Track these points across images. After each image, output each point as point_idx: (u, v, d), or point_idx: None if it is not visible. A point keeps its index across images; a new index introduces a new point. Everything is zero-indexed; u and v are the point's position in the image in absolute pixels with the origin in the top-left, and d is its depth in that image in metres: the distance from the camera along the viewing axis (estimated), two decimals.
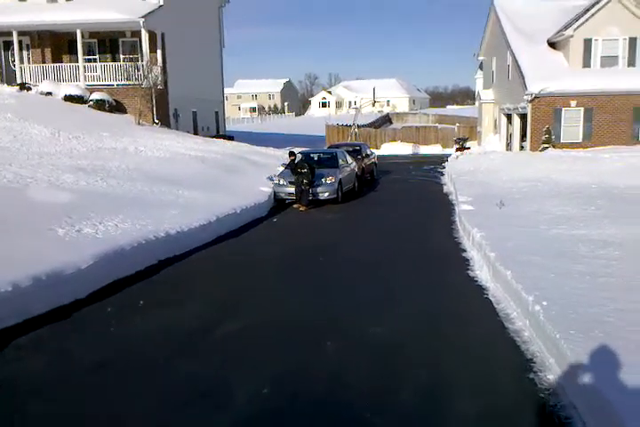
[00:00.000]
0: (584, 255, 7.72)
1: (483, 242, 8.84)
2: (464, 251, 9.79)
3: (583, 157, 19.90)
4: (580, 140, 23.60)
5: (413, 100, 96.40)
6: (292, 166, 14.85)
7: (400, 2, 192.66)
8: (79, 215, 8.97)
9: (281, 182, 15.25)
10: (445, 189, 18.23)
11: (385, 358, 5.25)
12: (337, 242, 10.46)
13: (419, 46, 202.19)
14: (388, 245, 10.29)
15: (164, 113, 25.35)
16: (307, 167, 14.49)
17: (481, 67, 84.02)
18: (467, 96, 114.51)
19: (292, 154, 15.24)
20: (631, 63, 23.10)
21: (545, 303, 5.59)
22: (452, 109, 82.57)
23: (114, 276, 7.52)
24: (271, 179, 16.36)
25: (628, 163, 18.90)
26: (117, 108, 24.24)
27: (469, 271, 8.43)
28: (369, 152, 21.42)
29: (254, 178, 16.65)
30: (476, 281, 7.90)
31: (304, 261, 9.05)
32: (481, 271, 8.29)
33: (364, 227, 12.21)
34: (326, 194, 14.84)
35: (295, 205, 14.71)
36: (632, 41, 22.88)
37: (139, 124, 22.81)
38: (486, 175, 17.74)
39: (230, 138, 29.86)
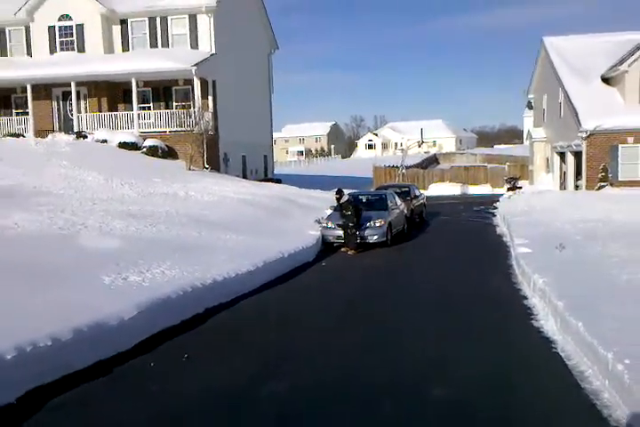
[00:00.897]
0: None
1: (546, 289, 8.24)
2: (525, 298, 9.17)
3: None
4: (639, 178, 22.58)
5: (460, 140, 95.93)
6: (339, 207, 14.56)
7: (441, 42, 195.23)
8: (127, 262, 8.90)
9: (329, 225, 14.99)
10: (499, 230, 17.55)
11: None
12: (387, 291, 9.99)
13: (465, 86, 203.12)
14: (443, 292, 9.76)
15: (214, 158, 25.82)
16: (352, 209, 14.14)
17: (529, 106, 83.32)
18: (514, 135, 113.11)
19: (338, 192, 14.47)
20: None
21: (628, 362, 4.99)
22: (499, 149, 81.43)
23: (159, 326, 7.29)
24: (319, 222, 16.13)
25: None
26: (169, 153, 24.84)
27: (533, 321, 7.82)
28: (417, 193, 21.03)
29: (302, 221, 16.48)
30: (542, 332, 7.30)
31: (354, 313, 8.64)
32: (546, 322, 7.67)
33: (416, 272, 11.71)
34: (375, 237, 14.47)
35: (343, 249, 14.36)
36: None
37: (189, 169, 23.23)
38: (542, 216, 16.99)
39: (278, 181, 30.08)
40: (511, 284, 10.27)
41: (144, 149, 23.73)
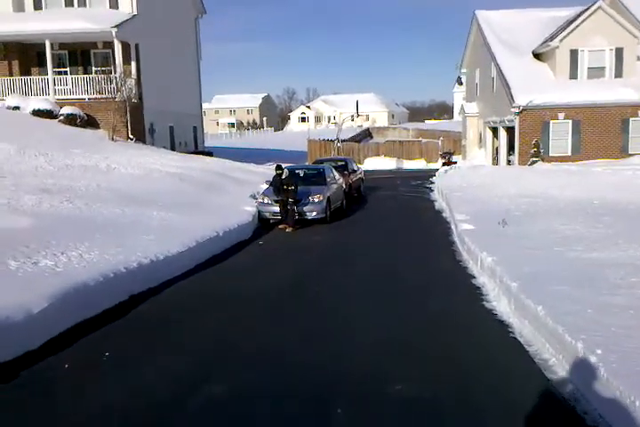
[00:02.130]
0: (617, 284, 6.82)
1: (497, 268, 7.90)
2: (473, 277, 8.83)
3: (576, 170, 19.29)
4: (569, 154, 23.11)
5: (392, 115, 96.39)
6: (276, 183, 13.71)
7: (374, 16, 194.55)
8: (38, 244, 7.82)
9: (265, 201, 14.22)
10: (437, 205, 17.37)
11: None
12: (329, 273, 9.39)
13: (395, 61, 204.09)
14: (387, 271, 9.29)
15: (139, 128, 24.18)
16: (294, 184, 13.45)
17: (459, 81, 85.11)
18: (444, 110, 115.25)
19: (278, 168, 13.75)
20: (618, 74, 22.75)
21: (599, 352, 4.62)
22: (430, 124, 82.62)
23: (76, 317, 6.38)
24: (254, 197, 15.34)
25: (623, 176, 18.32)
26: (89, 122, 23.01)
27: (485, 302, 7.46)
28: (355, 167, 20.52)
29: (236, 196, 15.60)
30: (495, 315, 6.93)
31: (295, 295, 7.99)
32: (499, 303, 7.33)
33: (358, 251, 11.19)
34: (314, 213, 13.84)
35: (281, 226, 13.65)
36: (618, 51, 22.53)
37: (112, 139, 21.63)
38: (480, 191, 16.92)
39: (209, 154, 28.78)
40: (456, 262, 9.93)
41: (61, 118, 21.81)
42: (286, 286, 8.34)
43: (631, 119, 22.49)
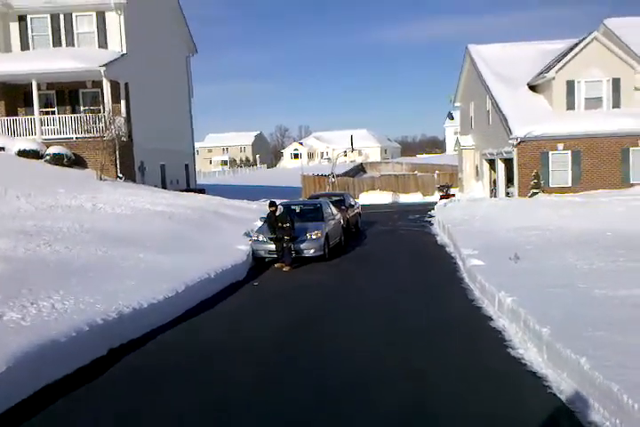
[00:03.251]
0: None
1: (520, 310, 7.09)
2: (490, 319, 8.01)
3: (581, 201, 18.67)
4: (570, 184, 22.56)
5: (385, 150, 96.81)
6: (271, 220, 12.95)
7: (364, 53, 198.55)
8: (6, 293, 6.97)
9: (260, 239, 13.45)
10: (439, 240, 16.62)
11: None
12: (331, 317, 8.53)
13: (386, 97, 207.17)
14: (393, 316, 8.44)
15: (128, 166, 23.54)
16: (289, 221, 12.72)
17: (450, 116, 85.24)
18: (434, 145, 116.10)
19: (272, 204, 12.97)
20: (616, 104, 22.44)
21: None
22: (422, 158, 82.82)
23: (44, 379, 5.49)
24: (249, 235, 14.56)
25: (629, 206, 17.70)
26: (77, 162, 22.36)
27: (510, 350, 6.62)
28: (352, 202, 19.86)
29: (229, 234, 14.80)
30: (525, 365, 6.08)
31: (296, 345, 7.12)
32: (527, 351, 6.48)
33: (361, 291, 10.34)
34: (312, 251, 13.05)
35: (277, 265, 12.81)
36: (615, 82, 22.29)
37: (100, 178, 20.92)
38: (483, 224, 16.23)
39: (201, 191, 28.08)
40: (469, 302, 9.11)
41: (47, 158, 21.14)
42: (282, 338, 7.42)
43: (631, 149, 22.06)
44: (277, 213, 12.79)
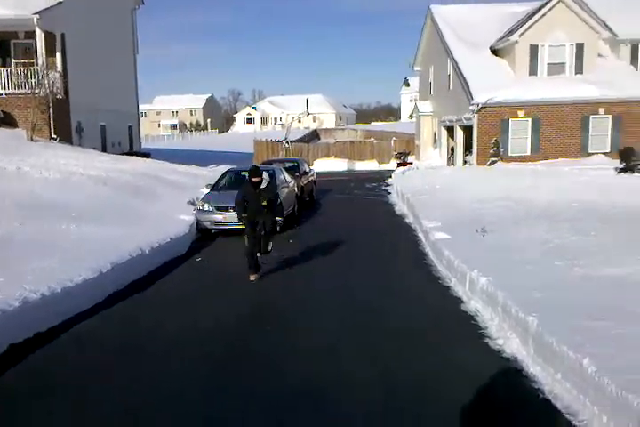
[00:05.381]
0: None
1: (497, 293, 6.25)
2: (461, 301, 7.17)
3: (542, 170, 18.16)
4: (529, 153, 22.09)
5: (340, 116, 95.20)
6: (248, 196, 8.46)
7: (320, 19, 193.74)
8: None
9: (205, 208, 12.24)
10: (398, 210, 15.79)
11: None
12: (282, 297, 7.54)
13: (343, 63, 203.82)
14: (350, 296, 7.51)
15: (64, 127, 21.58)
16: (277, 196, 9.11)
17: (406, 82, 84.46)
18: (389, 113, 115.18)
19: (255, 173, 8.42)
20: (578, 70, 21.87)
21: None
22: (376, 125, 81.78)
23: None
24: (193, 203, 13.31)
25: (591, 176, 17.28)
26: (5, 120, 20.33)
27: (488, 340, 5.79)
28: (307, 169, 18.74)
29: (172, 203, 13.52)
30: (508, 360, 5.26)
31: (244, 342, 6.11)
32: (507, 341, 5.66)
33: (317, 269, 9.34)
34: None
35: (252, 277, 8.38)
36: (579, 47, 21.66)
37: (31, 139, 19.05)
38: (445, 194, 15.43)
39: (146, 155, 26.34)
40: (435, 280, 8.28)
41: None
42: (226, 330, 6.38)
43: (591, 117, 21.64)
44: (263, 186, 8.46)
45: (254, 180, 8.39)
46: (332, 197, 18.99)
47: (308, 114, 38.36)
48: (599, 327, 4.94)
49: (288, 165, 17.54)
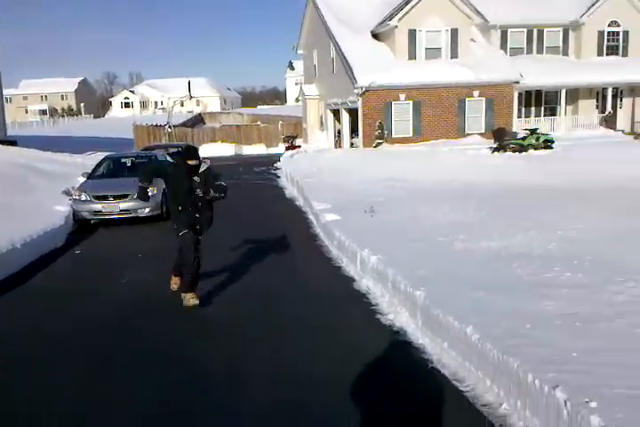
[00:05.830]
0: (537, 282, 5.64)
1: (388, 271, 6.38)
2: (353, 280, 7.26)
3: (424, 151, 18.95)
4: (411, 135, 22.94)
5: (225, 100, 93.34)
6: (181, 183, 6.41)
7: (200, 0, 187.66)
8: None
9: (83, 198, 11.43)
10: (288, 193, 15.76)
11: None
12: (169, 303, 7.22)
13: (225, 46, 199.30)
14: (244, 282, 7.36)
15: None
16: (219, 190, 6.54)
17: (290, 66, 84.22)
18: (275, 96, 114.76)
19: (190, 154, 6.39)
20: (454, 55, 22.93)
21: (594, 405, 3.18)
22: (263, 109, 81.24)
23: None
24: (68, 193, 12.39)
25: (468, 156, 18.31)
26: None
27: (380, 316, 5.89)
28: None
29: (45, 193, 12.49)
30: (398, 333, 5.38)
31: (124, 335, 5.75)
32: (397, 315, 5.79)
33: (208, 254, 9.05)
34: (147, 210, 11.39)
35: (173, 284, 6.75)
36: (454, 32, 22.68)
37: None
38: (334, 176, 15.63)
39: (12, 143, 24.14)
40: (327, 261, 8.32)
41: None
42: (109, 317, 5.99)
43: (467, 99, 22.86)
44: (202, 169, 6.42)
45: (191, 162, 6.22)
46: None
47: (191, 97, 37.17)
48: (480, 298, 5.18)
49: (172, 150, 16.87)
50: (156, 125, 33.79)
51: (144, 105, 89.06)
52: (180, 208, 6.46)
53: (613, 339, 4.14)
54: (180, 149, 16.91)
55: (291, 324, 5.76)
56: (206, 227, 6.70)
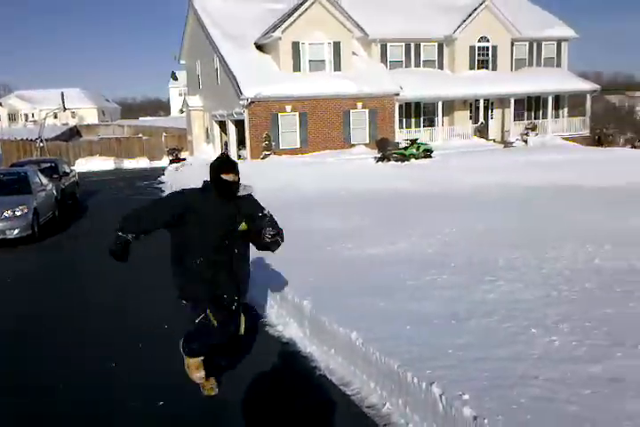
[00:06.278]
0: (417, 285, 5.87)
1: (275, 283, 6.35)
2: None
3: (312, 162, 19.28)
4: (299, 146, 23.23)
5: (103, 111, 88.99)
6: (208, 209, 3.99)
7: (66, 6, 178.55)
8: None
9: None
10: None
11: None
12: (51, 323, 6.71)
13: (102, 55, 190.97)
14: (129, 312, 7.02)
15: None
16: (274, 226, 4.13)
17: (173, 76, 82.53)
18: (158, 107, 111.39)
19: (231, 165, 4.01)
20: (337, 68, 23.55)
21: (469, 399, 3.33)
22: (145, 120, 78.47)
23: None
24: None
25: (354, 165, 18.91)
26: None
27: (268, 328, 5.85)
28: (67, 169, 17.21)
29: None
30: (287, 343, 5.35)
31: None
32: (285, 327, 5.76)
33: (88, 275, 8.53)
34: (16, 231, 10.47)
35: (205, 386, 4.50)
36: (336, 45, 23.31)
37: None
38: None
39: None
40: None
41: None
42: None
43: (351, 111, 23.54)
44: (241, 193, 4.09)
45: (226, 177, 3.93)
46: (100, 199, 17.68)
47: (65, 109, 35.07)
48: (363, 304, 5.31)
49: (44, 166, 16.02)
50: (27, 140, 31.54)
51: (13, 117, 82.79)
52: (198, 262, 4.02)
53: (484, 335, 4.40)
54: (52, 165, 16.06)
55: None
56: (244, 294, 4.25)
